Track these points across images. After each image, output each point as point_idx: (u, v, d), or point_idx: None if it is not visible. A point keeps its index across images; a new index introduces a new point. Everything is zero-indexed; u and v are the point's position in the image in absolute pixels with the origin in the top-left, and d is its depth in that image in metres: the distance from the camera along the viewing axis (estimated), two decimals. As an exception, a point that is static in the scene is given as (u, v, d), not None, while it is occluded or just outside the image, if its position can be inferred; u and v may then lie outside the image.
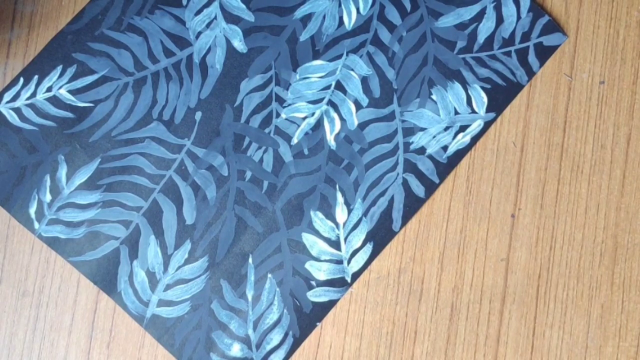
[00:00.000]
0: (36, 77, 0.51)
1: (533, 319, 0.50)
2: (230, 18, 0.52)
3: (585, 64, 0.52)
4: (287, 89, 0.51)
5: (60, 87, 0.51)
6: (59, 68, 0.51)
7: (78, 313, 0.50)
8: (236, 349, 0.50)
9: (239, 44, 0.52)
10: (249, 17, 0.52)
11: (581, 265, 0.50)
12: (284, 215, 0.50)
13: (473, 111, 0.51)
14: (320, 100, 0.51)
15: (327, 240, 0.50)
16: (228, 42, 0.52)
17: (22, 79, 0.51)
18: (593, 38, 0.52)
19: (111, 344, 0.50)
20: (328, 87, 0.52)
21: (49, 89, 0.51)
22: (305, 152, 0.51)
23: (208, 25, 0.52)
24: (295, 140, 0.51)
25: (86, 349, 0.50)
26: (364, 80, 0.52)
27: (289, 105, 0.51)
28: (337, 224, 0.51)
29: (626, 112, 0.52)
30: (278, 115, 0.51)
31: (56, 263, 0.50)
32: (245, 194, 0.51)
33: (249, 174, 0.51)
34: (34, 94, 0.51)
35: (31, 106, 0.51)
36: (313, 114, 0.51)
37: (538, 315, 0.50)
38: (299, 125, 0.51)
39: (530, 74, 0.52)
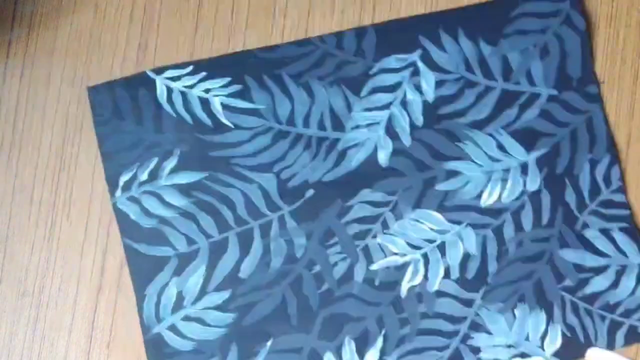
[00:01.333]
0: (204, 74, 0.52)
1: (533, 319, 0.50)
2: (390, 132, 0.52)
3: (585, 64, 0.52)
4: (397, 221, 0.51)
5: (217, 95, 0.52)
6: (227, 79, 0.52)
7: (78, 313, 0.50)
8: None
9: (383, 158, 0.52)
10: (406, 140, 0.52)
11: (581, 264, 0.50)
12: (322, 325, 0.50)
13: (542, 347, 0.50)
14: (419, 248, 0.51)
15: None
16: (375, 150, 0.52)
17: (191, 67, 0.52)
18: (593, 38, 0.52)
19: (111, 344, 0.50)
20: (432, 242, 0.51)
21: (207, 91, 0.52)
22: (376, 283, 0.50)
23: (368, 126, 0.52)
24: (374, 267, 0.50)
25: (86, 349, 0.50)
26: (466, 257, 0.51)
27: (390, 235, 0.51)
28: None
29: (626, 112, 0.52)
30: (375, 236, 0.51)
31: (56, 263, 0.50)
32: (302, 283, 0.50)
33: (317, 269, 0.50)
34: (192, 86, 0.52)
35: (183, 94, 0.52)
36: (404, 255, 0.51)
37: (538, 316, 0.50)
38: (386, 256, 0.51)
39: (611, 346, 0.50)
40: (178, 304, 0.50)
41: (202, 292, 0.50)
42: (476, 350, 0.50)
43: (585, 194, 0.51)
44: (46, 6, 0.52)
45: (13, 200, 0.51)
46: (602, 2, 0.53)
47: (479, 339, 0.50)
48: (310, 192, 0.51)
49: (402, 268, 0.50)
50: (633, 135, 0.52)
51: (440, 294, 0.50)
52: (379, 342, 0.49)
